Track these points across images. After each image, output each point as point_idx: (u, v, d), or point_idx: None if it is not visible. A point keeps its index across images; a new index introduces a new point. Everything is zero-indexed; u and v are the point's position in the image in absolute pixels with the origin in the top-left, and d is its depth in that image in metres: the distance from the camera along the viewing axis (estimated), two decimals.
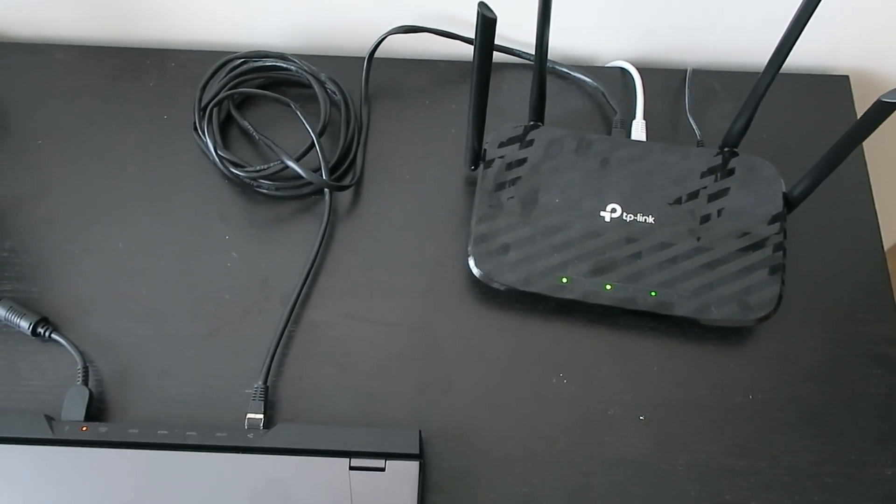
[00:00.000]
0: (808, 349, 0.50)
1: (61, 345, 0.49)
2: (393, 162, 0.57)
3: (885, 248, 0.98)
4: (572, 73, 0.59)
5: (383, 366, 0.50)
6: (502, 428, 0.48)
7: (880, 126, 0.66)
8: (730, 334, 0.50)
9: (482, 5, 0.41)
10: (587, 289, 0.49)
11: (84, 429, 0.45)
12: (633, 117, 0.57)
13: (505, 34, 0.59)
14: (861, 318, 0.51)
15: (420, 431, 0.46)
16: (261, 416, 0.47)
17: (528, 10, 0.54)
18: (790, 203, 0.51)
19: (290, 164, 0.52)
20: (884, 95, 0.39)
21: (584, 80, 0.59)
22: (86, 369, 0.48)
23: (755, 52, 0.59)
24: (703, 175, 0.53)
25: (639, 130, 0.56)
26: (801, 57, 0.60)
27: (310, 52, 0.60)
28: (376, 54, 0.59)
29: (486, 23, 0.41)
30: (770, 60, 0.46)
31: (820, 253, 0.53)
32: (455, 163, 0.56)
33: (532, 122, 0.55)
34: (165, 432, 0.45)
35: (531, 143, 0.54)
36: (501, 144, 0.54)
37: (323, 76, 0.57)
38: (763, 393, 0.49)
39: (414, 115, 0.59)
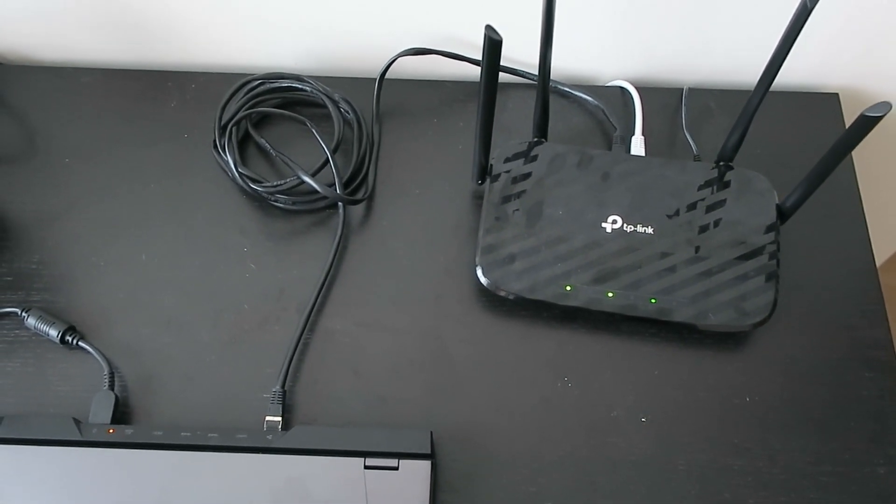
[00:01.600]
0: (803, 353, 0.52)
1: (88, 352, 0.52)
2: (403, 177, 0.59)
3: (880, 263, 1.00)
4: (574, 91, 0.62)
5: (395, 371, 0.52)
6: (510, 430, 0.50)
7: (870, 140, 0.69)
8: (727, 339, 0.53)
9: (489, 28, 0.43)
10: (590, 296, 0.52)
11: (111, 431, 0.48)
12: (633, 133, 0.60)
13: (510, 56, 0.62)
14: (853, 324, 0.53)
15: (431, 432, 0.48)
16: (279, 418, 0.49)
17: (533, 33, 0.57)
18: (783, 214, 0.54)
19: (306, 178, 0.55)
20: (867, 110, 0.41)
21: (585, 99, 0.62)
22: (112, 375, 0.51)
23: (748, 71, 0.62)
24: (699, 188, 0.55)
25: (638, 146, 0.59)
26: (793, 75, 0.62)
27: (324, 74, 0.63)
28: (387, 75, 0.62)
29: (493, 44, 0.44)
30: (760, 79, 0.49)
31: (813, 262, 0.55)
32: (462, 177, 0.59)
33: (536, 139, 0.58)
34: (188, 434, 0.47)
35: (535, 158, 0.56)
36: (507, 160, 0.56)
37: (336, 96, 0.60)
38: (760, 395, 0.51)
39: (423, 132, 0.61)
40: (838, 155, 0.46)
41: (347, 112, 0.60)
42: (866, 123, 0.42)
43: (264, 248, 0.56)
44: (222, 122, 0.58)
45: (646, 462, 0.49)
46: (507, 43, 0.61)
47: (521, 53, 0.63)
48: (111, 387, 0.50)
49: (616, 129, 0.60)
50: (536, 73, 0.63)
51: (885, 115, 0.41)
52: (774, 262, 0.52)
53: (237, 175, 0.56)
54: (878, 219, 0.85)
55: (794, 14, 0.44)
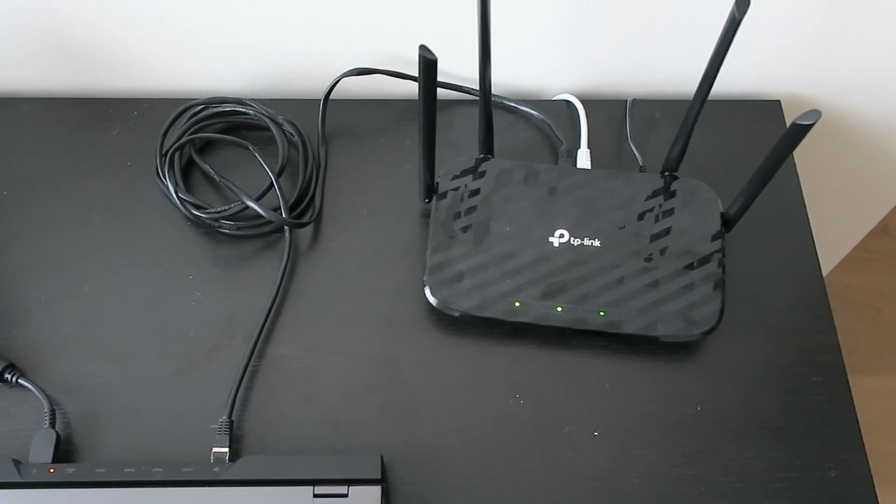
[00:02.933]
0: (753, 360, 0.53)
1: (29, 389, 0.50)
2: (351, 198, 0.59)
3: (835, 263, 1.02)
4: (520, 106, 0.62)
5: (347, 395, 0.51)
6: (464, 450, 0.50)
7: (812, 143, 0.70)
8: (678, 349, 0.53)
9: (423, 48, 0.43)
10: (539, 311, 0.52)
11: (51, 470, 0.46)
12: (579, 147, 0.60)
13: (456, 72, 0.62)
14: (801, 329, 0.54)
15: (381, 457, 0.47)
16: (226, 449, 0.48)
17: (476, 49, 0.57)
18: (728, 222, 0.54)
19: (250, 203, 0.54)
20: (798, 118, 0.42)
21: (531, 114, 0.62)
22: (52, 412, 0.49)
23: (692, 81, 0.62)
24: (645, 199, 0.55)
25: (584, 159, 0.59)
26: (736, 84, 0.63)
27: (270, 97, 0.63)
28: (333, 96, 0.61)
29: (428, 64, 0.44)
30: (698, 89, 0.50)
31: (760, 268, 0.56)
32: (411, 196, 0.58)
33: (482, 155, 0.58)
34: (132, 470, 0.46)
35: (481, 174, 0.56)
36: (453, 177, 0.56)
37: (280, 119, 0.59)
38: (712, 404, 0.51)
39: (370, 152, 0.61)
40: (775, 163, 0.46)
41: (292, 134, 0.59)
42: (798, 132, 0.43)
43: (211, 276, 0.56)
44: (164, 149, 0.57)
45: (601, 476, 0.49)
46: (453, 59, 0.62)
47: (468, 70, 0.63)
48: (52, 424, 0.49)
49: (562, 142, 0.60)
50: None
51: (815, 122, 0.41)
52: (721, 270, 0.52)
53: (179, 202, 0.55)
54: (829, 221, 0.86)
55: (725, 25, 0.45)
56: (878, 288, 1.30)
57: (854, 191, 0.80)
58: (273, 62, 0.62)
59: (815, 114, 0.41)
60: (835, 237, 0.90)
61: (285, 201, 0.56)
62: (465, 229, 0.54)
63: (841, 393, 0.51)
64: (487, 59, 0.50)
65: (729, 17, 0.44)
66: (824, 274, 1.04)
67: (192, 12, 0.58)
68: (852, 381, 1.32)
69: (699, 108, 0.51)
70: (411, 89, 0.63)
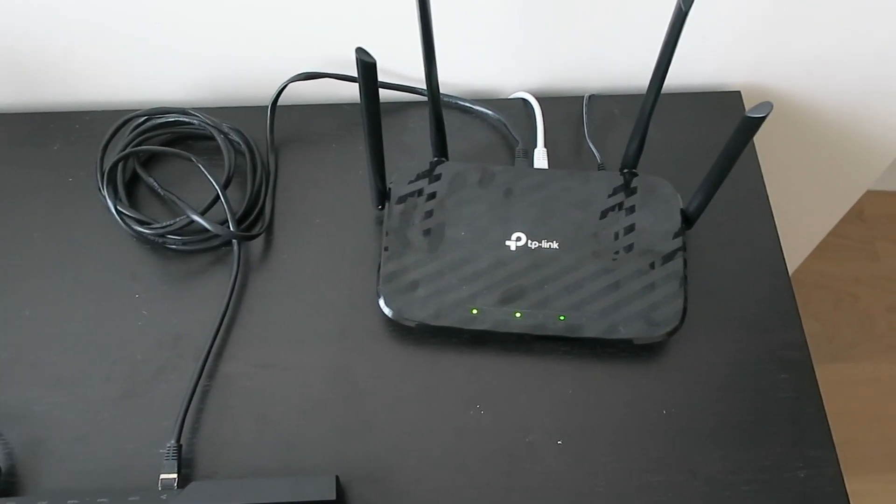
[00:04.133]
0: (718, 360, 0.51)
1: None
2: (302, 207, 0.57)
3: (801, 261, 1.01)
4: (474, 106, 0.60)
5: (301, 413, 0.50)
6: (423, 465, 0.48)
7: (780, 134, 0.69)
8: (641, 351, 0.51)
9: (360, 51, 0.41)
10: (497, 318, 0.50)
11: None
12: (535, 146, 0.58)
13: (406, 73, 0.61)
14: (767, 325, 0.52)
15: (337, 477, 0.45)
16: (174, 475, 0.46)
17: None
18: (688, 219, 0.53)
19: (196, 217, 0.52)
20: (749, 111, 0.41)
21: (486, 113, 0.60)
22: None
23: (650, 74, 0.61)
24: (603, 198, 0.54)
25: (541, 159, 0.57)
26: (694, 76, 0.62)
27: (216, 105, 0.61)
28: (281, 102, 0.60)
29: (366, 67, 0.42)
30: (650, 83, 0.48)
31: (724, 265, 0.55)
32: (364, 203, 0.56)
33: (436, 158, 0.56)
34: (76, 501, 0.44)
35: (435, 178, 0.55)
36: (406, 182, 0.55)
37: (226, 127, 0.57)
38: (677, 407, 0.50)
39: (321, 159, 0.59)
40: (730, 158, 0.45)
41: (239, 143, 0.57)
42: (750, 125, 0.41)
43: (158, 293, 0.54)
44: (104, 164, 0.55)
45: (565, 486, 0.47)
46: (404, 60, 0.60)
47: (421, 70, 0.61)
48: None
49: (518, 142, 0.58)
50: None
51: (767, 115, 0.40)
52: (682, 268, 0.51)
53: (119, 218, 0.53)
54: (801, 209, 0.85)
55: (672, 18, 0.43)
56: (854, 274, 1.30)
57: (824, 177, 0.79)
58: (218, 69, 0.60)
59: (767, 106, 0.40)
60: (808, 225, 0.89)
61: (233, 213, 0.54)
62: (419, 236, 0.52)
63: (808, 389, 0.50)
64: (432, 59, 0.48)
65: (675, 9, 0.42)
66: (799, 263, 1.04)
67: (131, 20, 0.56)
68: (832, 369, 1.33)
69: (653, 102, 0.49)
70: None
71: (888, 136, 0.72)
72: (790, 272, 1.03)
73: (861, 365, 1.22)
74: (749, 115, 0.40)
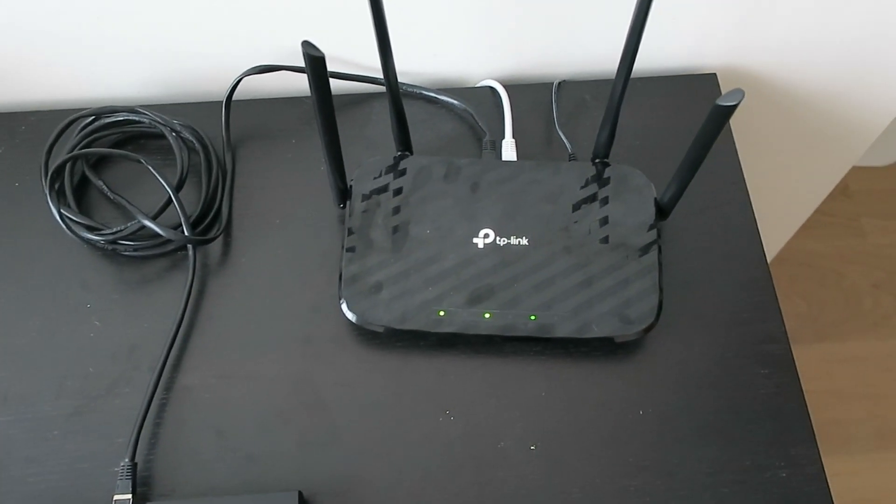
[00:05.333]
0: (695, 356, 0.49)
1: None
2: (262, 207, 0.54)
3: (787, 240, 0.99)
4: (440, 96, 0.58)
5: (263, 425, 0.48)
6: (391, 476, 0.46)
7: (762, 114, 0.67)
8: (616, 349, 0.49)
9: (306, 44, 0.39)
10: (466, 320, 0.48)
11: None
12: (503, 137, 0.56)
13: (368, 63, 0.58)
14: (745, 319, 0.50)
15: (300, 492, 0.44)
16: (129, 496, 0.44)
17: (393, 35, 0.53)
18: (662, 210, 0.51)
19: (147, 222, 0.50)
20: (720, 99, 0.38)
21: (452, 103, 0.58)
22: None
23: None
24: (574, 190, 0.51)
25: (509, 150, 0.55)
26: (668, 58, 0.59)
27: (169, 101, 0.58)
28: (237, 97, 0.57)
29: (314, 62, 0.40)
30: (618, 69, 0.46)
31: (700, 256, 0.52)
32: (327, 201, 0.54)
33: (399, 153, 0.53)
34: None
35: (398, 174, 0.52)
36: (368, 178, 0.52)
37: (178, 125, 0.54)
38: (654, 406, 0.48)
39: (281, 155, 0.56)
40: (703, 147, 0.43)
41: (192, 141, 0.55)
42: (722, 113, 0.39)
43: (110, 302, 0.51)
44: (48, 167, 0.52)
45: (539, 494, 0.46)
46: (365, 49, 0.57)
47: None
48: None
49: (486, 133, 0.56)
50: (400, 79, 0.59)
51: (739, 103, 0.38)
52: (657, 262, 0.49)
53: (64, 224, 0.51)
54: (786, 189, 0.83)
55: (637, 1, 0.41)
56: (840, 251, 1.29)
57: (808, 157, 0.77)
58: (170, 64, 0.57)
59: (738, 93, 0.38)
60: (793, 205, 0.88)
61: (186, 217, 0.51)
62: (382, 235, 0.50)
63: (789, 384, 0.48)
64: (388, 50, 0.45)
65: None
66: (783, 243, 1.02)
67: (75, 14, 0.53)
68: (819, 348, 1.32)
69: (622, 89, 0.47)
70: None
71: (870, 114, 0.70)
72: (775, 252, 1.02)
73: (847, 343, 1.21)
74: (720, 103, 0.38)
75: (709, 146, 0.42)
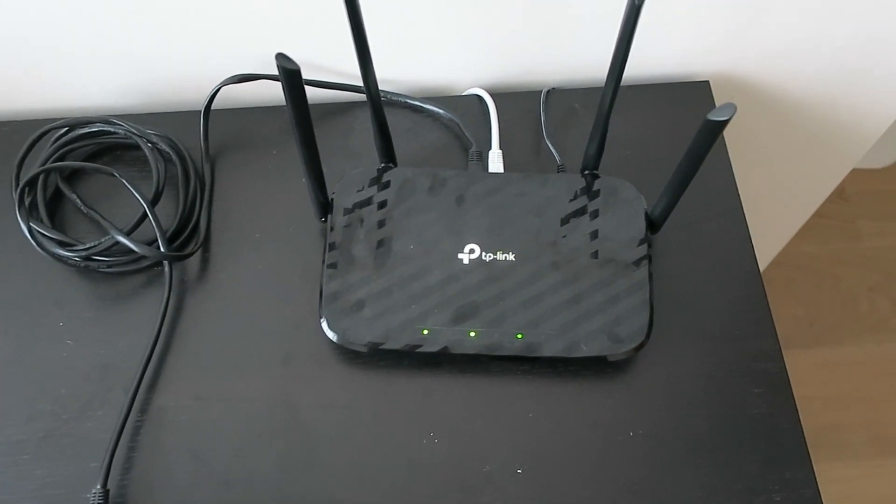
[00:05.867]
0: (687, 374, 0.48)
1: None
2: (241, 221, 0.53)
3: (784, 244, 0.98)
4: (425, 105, 0.56)
5: (241, 448, 0.46)
6: (373, 501, 0.45)
7: (753, 123, 0.65)
8: (606, 368, 0.48)
9: (281, 57, 0.37)
10: (450, 338, 0.46)
11: None
12: (490, 148, 0.54)
13: (349, 70, 0.56)
14: (738, 335, 0.49)
15: None
16: None
17: (376, 41, 0.51)
18: (653, 224, 0.49)
19: (121, 238, 0.48)
20: (711, 114, 0.37)
21: (438, 112, 0.56)
22: None
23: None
24: (563, 203, 0.50)
25: (496, 161, 0.53)
26: (659, 66, 0.58)
27: (148, 110, 0.56)
28: (216, 106, 0.55)
29: (289, 75, 0.38)
30: (607, 80, 0.44)
31: (692, 270, 0.51)
32: (309, 215, 0.52)
33: (382, 164, 0.52)
34: None
35: (381, 187, 0.51)
36: (350, 191, 0.50)
37: (154, 136, 0.53)
38: (645, 427, 0.46)
39: (261, 167, 0.55)
40: (694, 161, 0.41)
41: (169, 153, 0.53)
42: (713, 128, 0.37)
43: (84, 321, 0.49)
44: (21, 180, 0.50)
45: None
46: (347, 56, 0.55)
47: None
48: None
49: (472, 143, 0.54)
50: (383, 87, 0.58)
51: (730, 118, 0.36)
52: (647, 278, 0.48)
53: (33, 241, 0.49)
54: (784, 193, 0.82)
55: (625, 13, 0.39)
56: (836, 254, 1.27)
57: (804, 164, 0.75)
58: (146, 72, 0.56)
59: (730, 108, 0.36)
60: (789, 211, 0.86)
61: (162, 232, 0.49)
62: (364, 250, 0.49)
63: (783, 404, 0.47)
64: (367, 58, 0.44)
65: (628, 3, 0.38)
66: (781, 248, 1.00)
67: (48, 20, 0.51)
68: (815, 353, 1.31)
69: (611, 101, 0.45)
70: (307, 93, 0.57)
71: (867, 119, 0.69)
72: (771, 258, 1.01)
73: (844, 347, 1.20)
74: (711, 117, 0.37)
75: (700, 161, 0.41)
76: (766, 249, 0.98)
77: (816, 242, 1.27)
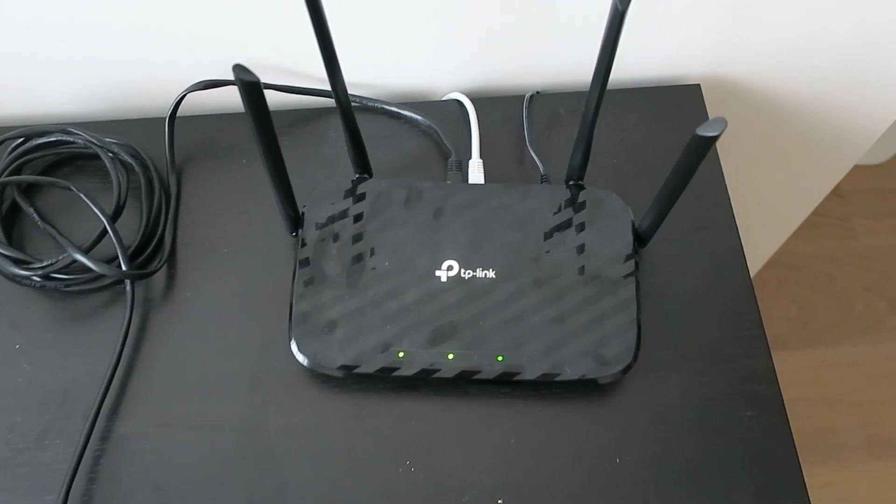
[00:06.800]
0: (676, 397, 0.46)
1: None
2: (208, 235, 0.50)
3: (779, 245, 0.96)
4: (402, 111, 0.53)
5: (207, 478, 0.44)
6: None
7: (746, 127, 0.63)
8: (591, 391, 0.46)
9: (238, 69, 0.34)
10: (427, 361, 0.44)
11: None
12: (471, 157, 0.52)
13: (321, 75, 0.53)
14: (730, 354, 0.47)
15: None
16: None
17: (344, 44, 0.48)
18: (640, 237, 0.47)
19: (78, 256, 0.46)
20: (700, 129, 0.34)
21: (416, 119, 0.54)
22: None
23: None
24: (546, 216, 0.47)
25: (476, 171, 0.51)
26: (648, 69, 0.55)
27: (111, 118, 0.54)
28: (183, 112, 0.52)
29: (249, 87, 0.35)
30: (591, 87, 0.42)
31: (681, 285, 0.49)
32: (279, 228, 0.49)
33: (357, 175, 0.49)
34: None
35: (355, 199, 0.48)
36: (322, 204, 0.48)
37: (115, 147, 0.50)
38: (632, 454, 0.44)
39: (230, 177, 0.52)
40: (682, 177, 0.38)
41: (132, 163, 0.50)
42: (702, 144, 0.35)
43: (41, 343, 0.47)
44: None
45: None
46: (321, 60, 0.53)
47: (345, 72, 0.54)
48: None
49: (452, 152, 0.52)
50: (357, 92, 0.55)
51: (720, 134, 0.34)
52: (634, 295, 0.45)
53: None
54: (781, 193, 0.80)
55: (608, 18, 0.36)
56: (830, 253, 1.25)
57: (799, 164, 0.73)
58: (107, 77, 0.53)
59: (720, 122, 0.34)
60: (784, 212, 0.84)
61: (124, 248, 0.47)
62: (336, 267, 0.46)
63: (777, 428, 0.45)
64: (335, 64, 0.41)
65: (612, 8, 0.36)
66: (775, 250, 0.98)
67: (2, 22, 0.48)
68: (809, 354, 1.29)
69: (597, 105, 0.43)
70: (277, 98, 0.54)
71: (863, 121, 0.66)
72: (764, 261, 0.99)
73: (838, 348, 1.18)
74: (700, 133, 0.34)
75: (689, 176, 0.38)
76: (759, 253, 0.96)
77: (810, 241, 1.25)
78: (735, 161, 0.58)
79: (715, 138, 0.34)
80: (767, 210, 0.83)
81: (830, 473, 1.08)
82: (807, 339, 1.18)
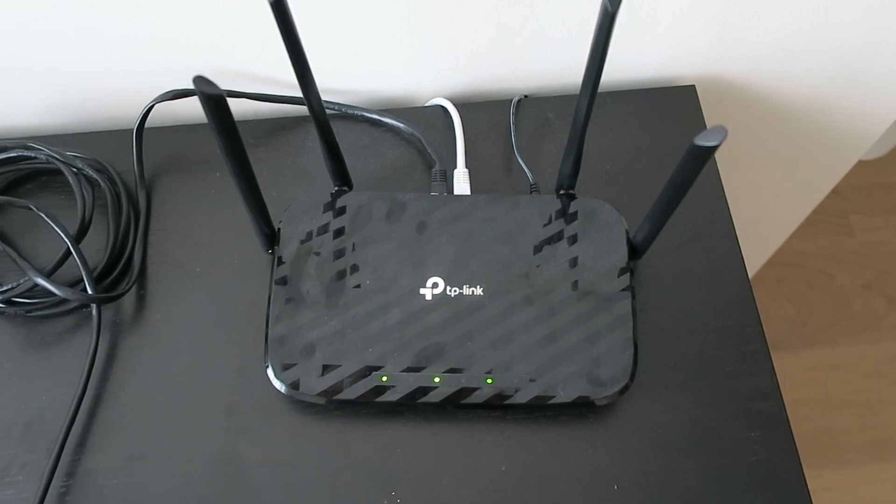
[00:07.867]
0: (675, 418, 0.43)
1: None
2: (180, 253, 0.48)
3: (779, 245, 0.93)
4: (383, 118, 0.51)
5: None
6: None
7: (743, 128, 0.61)
8: (587, 413, 0.43)
9: (200, 81, 0.32)
10: (412, 385, 0.41)
11: None
12: (456, 166, 0.49)
13: (295, 81, 0.51)
14: (731, 372, 0.44)
15: None
16: None
17: (322, 49, 0.46)
18: (635, 250, 0.44)
19: (39, 280, 0.43)
20: (698, 138, 0.32)
21: (398, 126, 0.51)
22: None
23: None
24: (535, 228, 0.45)
25: (461, 182, 0.48)
26: (640, 69, 0.53)
27: (75, 130, 0.51)
28: (150, 123, 0.49)
29: (212, 101, 0.33)
30: (581, 93, 0.39)
31: (679, 299, 0.46)
32: (254, 245, 0.47)
33: (336, 188, 0.47)
34: None
35: (335, 213, 0.46)
36: (299, 220, 0.45)
37: (79, 162, 0.47)
38: (629, 479, 0.42)
39: (203, 191, 0.49)
40: (679, 188, 0.36)
41: (97, 179, 0.48)
42: (700, 154, 0.32)
43: (2, 372, 0.44)
44: None
45: None
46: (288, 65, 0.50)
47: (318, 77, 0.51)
48: None
49: (436, 161, 0.49)
50: (337, 99, 0.53)
51: (720, 144, 0.31)
52: (630, 311, 0.43)
53: None
54: (781, 193, 0.77)
55: (598, 20, 0.34)
56: (828, 251, 1.23)
57: (797, 165, 0.71)
58: (71, 87, 0.50)
59: (720, 132, 0.31)
60: (783, 213, 0.82)
61: (89, 271, 0.44)
62: (314, 286, 0.43)
63: (783, 448, 0.42)
64: (307, 73, 0.38)
65: (601, 10, 0.33)
66: (773, 251, 0.96)
67: None
68: (807, 354, 1.26)
69: (587, 110, 0.40)
70: (246, 107, 0.51)
71: (862, 121, 0.64)
72: (762, 261, 0.97)
73: (837, 348, 1.16)
74: (698, 143, 0.32)
75: (686, 188, 0.36)
76: (758, 254, 0.94)
77: (808, 239, 1.23)
78: (732, 163, 0.55)
79: (714, 148, 0.32)
80: (765, 212, 0.81)
81: (831, 477, 1.06)
82: (805, 340, 1.16)
